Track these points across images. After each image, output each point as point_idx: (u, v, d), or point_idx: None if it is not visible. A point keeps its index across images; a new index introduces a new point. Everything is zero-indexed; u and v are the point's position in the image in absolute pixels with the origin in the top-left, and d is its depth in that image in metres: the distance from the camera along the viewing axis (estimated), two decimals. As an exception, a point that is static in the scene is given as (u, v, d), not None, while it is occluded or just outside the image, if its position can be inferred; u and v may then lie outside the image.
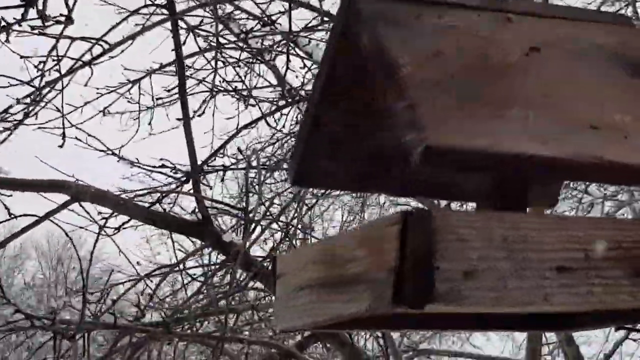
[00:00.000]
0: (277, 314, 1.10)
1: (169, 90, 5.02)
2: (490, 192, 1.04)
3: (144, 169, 5.21)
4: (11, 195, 3.87)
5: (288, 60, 4.43)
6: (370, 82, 1.04)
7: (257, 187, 4.38)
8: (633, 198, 6.56)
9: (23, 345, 6.42)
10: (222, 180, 5.03)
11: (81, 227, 4.58)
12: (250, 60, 5.13)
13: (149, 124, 5.44)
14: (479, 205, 1.09)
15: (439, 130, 0.90)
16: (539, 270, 0.90)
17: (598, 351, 8.94)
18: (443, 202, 5.52)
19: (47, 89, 4.34)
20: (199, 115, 4.95)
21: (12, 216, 3.76)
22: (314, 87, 1.12)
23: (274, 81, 5.56)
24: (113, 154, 5.16)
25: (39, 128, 4.60)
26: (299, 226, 4.71)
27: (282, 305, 1.08)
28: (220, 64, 5.04)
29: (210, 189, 4.95)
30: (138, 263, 4.96)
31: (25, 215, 3.82)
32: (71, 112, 4.76)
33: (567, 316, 1.16)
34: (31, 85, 4.26)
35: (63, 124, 4.24)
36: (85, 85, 4.54)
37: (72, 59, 4.34)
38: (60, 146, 4.21)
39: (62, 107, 4.27)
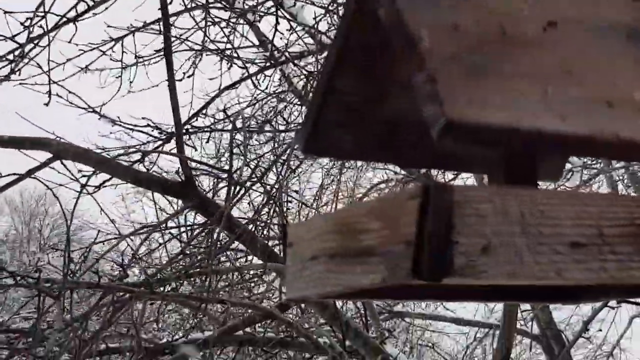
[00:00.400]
0: (288, 282, 1.11)
1: (157, 51, 4.98)
2: (501, 165, 1.05)
3: (126, 127, 5.19)
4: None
5: (277, 23, 4.40)
6: (388, 54, 1.03)
7: (241, 148, 4.36)
8: (610, 167, 6.62)
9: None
10: (208, 141, 5.01)
11: (61, 185, 4.56)
12: (235, 20, 5.10)
13: (131, 82, 5.40)
14: (490, 178, 1.10)
15: (459, 104, 0.90)
16: (553, 246, 0.91)
17: (569, 316, 9.07)
18: (423, 170, 5.54)
19: (31, 45, 4.30)
20: (189, 77, 4.92)
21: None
22: (327, 56, 1.12)
23: (257, 42, 5.54)
24: (94, 111, 5.13)
25: (21, 84, 4.56)
26: (283, 189, 4.71)
27: (294, 275, 1.08)
28: (204, 23, 5.01)
29: (195, 150, 4.94)
30: (113, 221, 4.94)
31: (14, 174, 3.79)
32: (53, 68, 4.72)
33: (573, 288, 1.18)
34: (15, 41, 4.22)
35: (49, 81, 4.20)
36: (69, 42, 4.49)
37: (57, 15, 4.29)
38: (46, 104, 4.17)
39: (48, 64, 4.23)
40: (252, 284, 5.31)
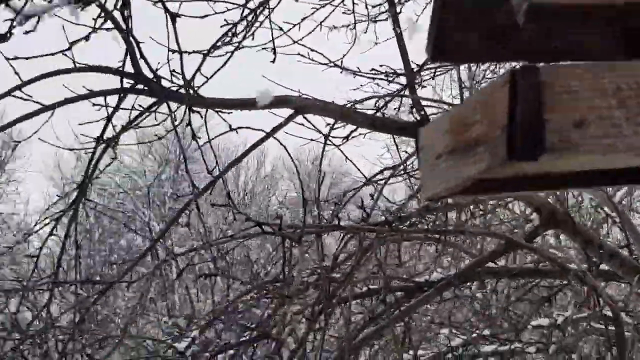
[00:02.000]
0: (422, 184, 1.16)
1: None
2: (617, 47, 1.05)
3: (367, 77, 5.32)
4: (231, 113, 4.04)
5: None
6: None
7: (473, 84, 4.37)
8: None
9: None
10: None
11: (311, 140, 4.77)
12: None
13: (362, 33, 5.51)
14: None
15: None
16: (653, 116, 0.91)
17: None
18: None
19: (260, 8, 4.50)
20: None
21: (231, 128, 3.91)
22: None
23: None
24: (336, 65, 5.30)
25: (263, 49, 4.76)
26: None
27: (425, 176, 1.14)
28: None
29: (433, 89, 4.97)
30: (359, 169, 5.05)
31: (247, 127, 3.94)
32: (290, 29, 4.92)
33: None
34: (247, 8, 4.43)
35: (293, 41, 4.41)
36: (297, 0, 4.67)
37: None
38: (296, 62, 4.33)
39: (282, 23, 4.47)
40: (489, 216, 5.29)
